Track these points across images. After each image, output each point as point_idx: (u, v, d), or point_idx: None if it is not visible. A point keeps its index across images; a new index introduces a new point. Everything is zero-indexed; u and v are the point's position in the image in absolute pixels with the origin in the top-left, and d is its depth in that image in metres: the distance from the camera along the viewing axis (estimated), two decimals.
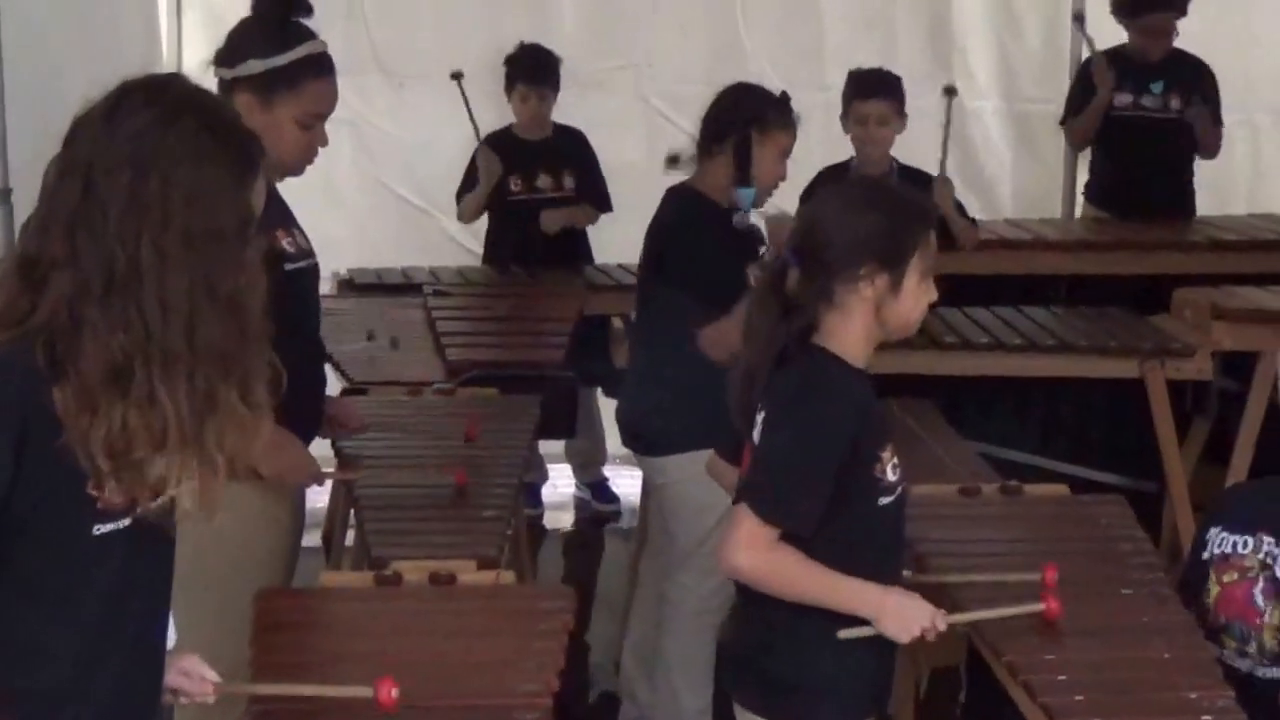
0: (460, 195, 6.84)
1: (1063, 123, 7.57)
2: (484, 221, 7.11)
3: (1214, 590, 3.30)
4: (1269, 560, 3.20)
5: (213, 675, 2.73)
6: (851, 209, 3.31)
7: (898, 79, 6.37)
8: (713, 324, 4.64)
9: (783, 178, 5.01)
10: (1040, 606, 3.39)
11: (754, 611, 3.36)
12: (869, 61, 7.38)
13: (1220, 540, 3.30)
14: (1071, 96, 7.49)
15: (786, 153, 4.98)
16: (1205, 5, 7.15)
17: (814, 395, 3.22)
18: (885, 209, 3.29)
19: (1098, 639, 3.52)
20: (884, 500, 3.25)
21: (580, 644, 5.44)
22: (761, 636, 3.35)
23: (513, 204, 6.80)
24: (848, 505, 3.20)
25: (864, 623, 3.20)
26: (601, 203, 6.86)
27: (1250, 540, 3.23)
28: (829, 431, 3.19)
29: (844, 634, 3.21)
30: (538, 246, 6.74)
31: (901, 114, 6.29)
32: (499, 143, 6.87)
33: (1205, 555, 3.32)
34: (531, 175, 6.81)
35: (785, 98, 5.04)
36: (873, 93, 6.24)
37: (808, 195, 5.94)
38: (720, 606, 4.79)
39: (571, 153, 6.87)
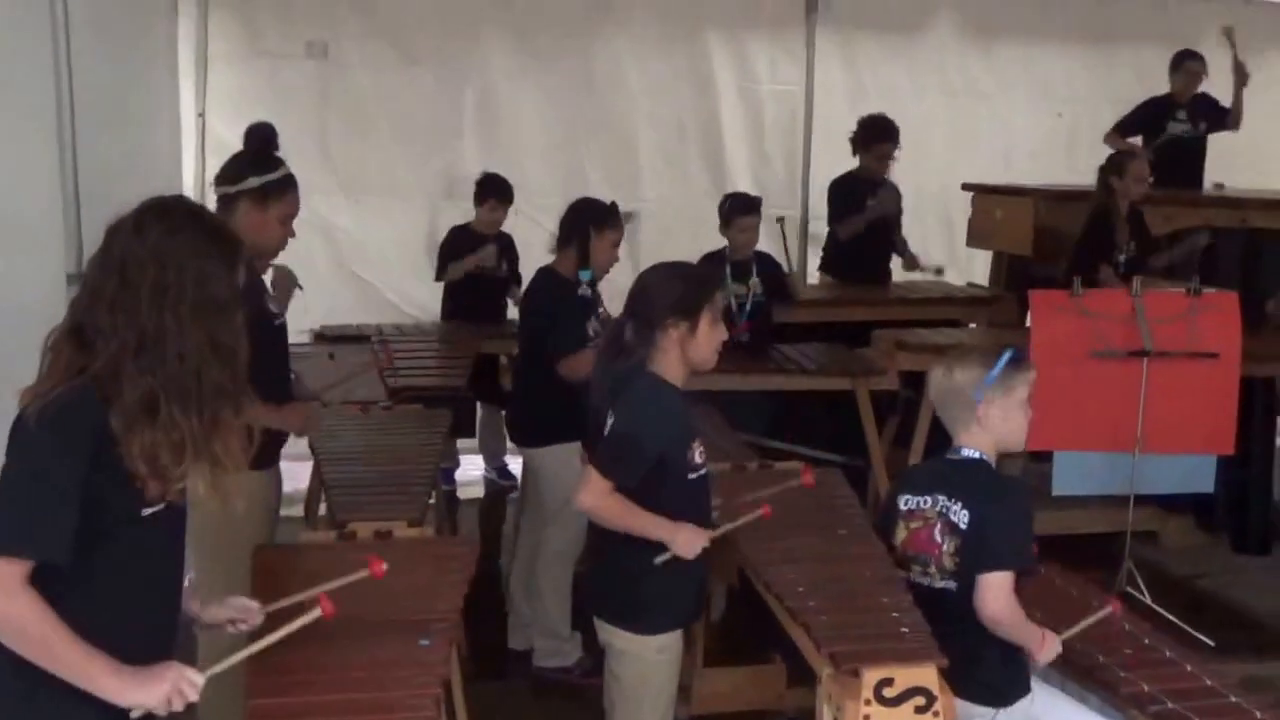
0: (442, 268, 6.83)
1: (832, 223, 7.42)
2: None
3: (902, 534, 3.34)
4: (944, 511, 3.25)
5: (253, 604, 2.71)
6: (663, 279, 3.39)
7: (760, 200, 6.39)
8: (571, 357, 4.64)
9: (615, 260, 4.99)
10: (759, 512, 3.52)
11: (607, 552, 3.40)
12: (673, 184, 7.46)
13: (907, 501, 3.35)
14: (839, 209, 7.31)
15: (616, 244, 4.96)
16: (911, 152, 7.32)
17: (645, 402, 3.28)
18: (684, 279, 3.39)
19: (823, 563, 3.54)
20: (692, 476, 3.33)
21: (495, 573, 5.40)
22: (612, 569, 3.39)
23: (470, 276, 6.79)
24: (671, 478, 3.27)
25: (666, 550, 3.28)
26: (520, 281, 6.78)
27: (929, 499, 3.29)
28: (653, 430, 3.25)
29: (657, 560, 3.27)
30: (483, 307, 6.72)
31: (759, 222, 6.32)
32: (462, 235, 6.88)
33: (900, 510, 3.37)
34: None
35: (614, 206, 5.03)
36: (750, 210, 6.25)
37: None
38: (576, 549, 4.79)
39: (507, 246, 6.88)
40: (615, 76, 7.79)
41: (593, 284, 4.92)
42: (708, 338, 3.32)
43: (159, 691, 2.30)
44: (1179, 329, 5.27)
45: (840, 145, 7.32)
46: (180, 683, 2.32)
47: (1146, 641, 3.59)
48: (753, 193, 6.99)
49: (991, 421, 3.24)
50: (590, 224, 4.87)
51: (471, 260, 6.73)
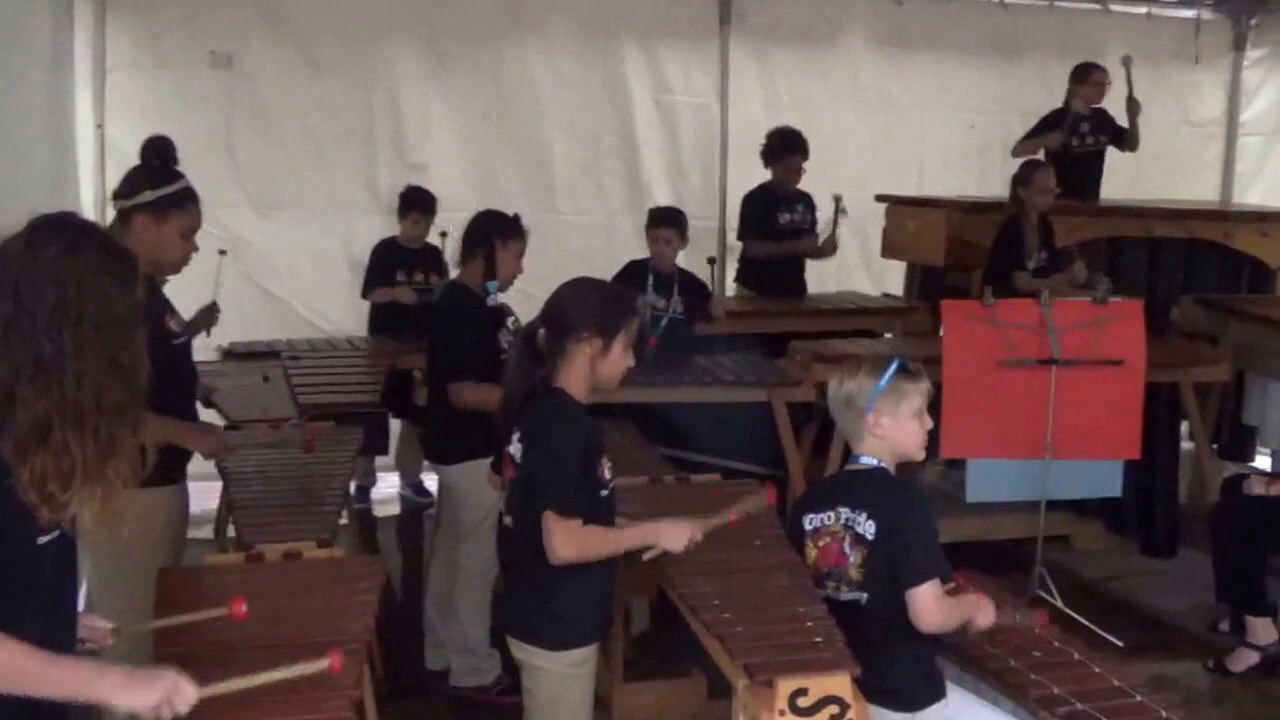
0: (368, 285, 6.85)
1: (740, 239, 7.50)
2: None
3: (812, 554, 3.39)
4: (849, 523, 3.29)
5: (107, 624, 2.66)
6: (585, 292, 3.36)
7: (682, 212, 6.48)
8: (461, 385, 4.63)
9: (520, 270, 4.95)
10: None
11: (518, 569, 3.37)
12: (589, 196, 7.43)
13: (811, 520, 3.40)
14: (750, 223, 7.39)
15: (520, 255, 4.92)
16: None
17: (558, 421, 3.25)
18: (607, 297, 3.37)
19: (738, 575, 3.56)
20: (603, 492, 3.28)
21: (415, 591, 5.38)
22: (524, 586, 3.36)
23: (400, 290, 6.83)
24: (582, 495, 3.23)
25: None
26: None
27: (831, 514, 3.34)
28: (570, 447, 3.22)
29: (646, 556, 3.27)
30: (411, 322, 6.65)
31: (684, 236, 6.36)
32: (389, 249, 6.89)
33: (806, 530, 3.41)
34: (411, 272, 6.83)
35: (517, 217, 4.98)
36: (665, 223, 6.33)
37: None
38: (492, 567, 4.76)
39: (435, 259, 6.85)
40: (528, 86, 7.80)
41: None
42: (618, 360, 3.32)
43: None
44: (1086, 337, 5.39)
45: (757, 156, 7.37)
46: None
47: (1057, 644, 3.66)
48: (670, 204, 7.06)
49: (884, 430, 3.31)
50: (495, 236, 4.85)
51: (389, 295, 6.78)
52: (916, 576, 3.17)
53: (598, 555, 3.24)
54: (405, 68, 7.59)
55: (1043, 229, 6.82)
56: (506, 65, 7.74)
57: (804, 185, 7.41)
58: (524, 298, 5.02)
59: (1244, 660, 5.12)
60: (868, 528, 3.24)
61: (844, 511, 3.31)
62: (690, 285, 6.45)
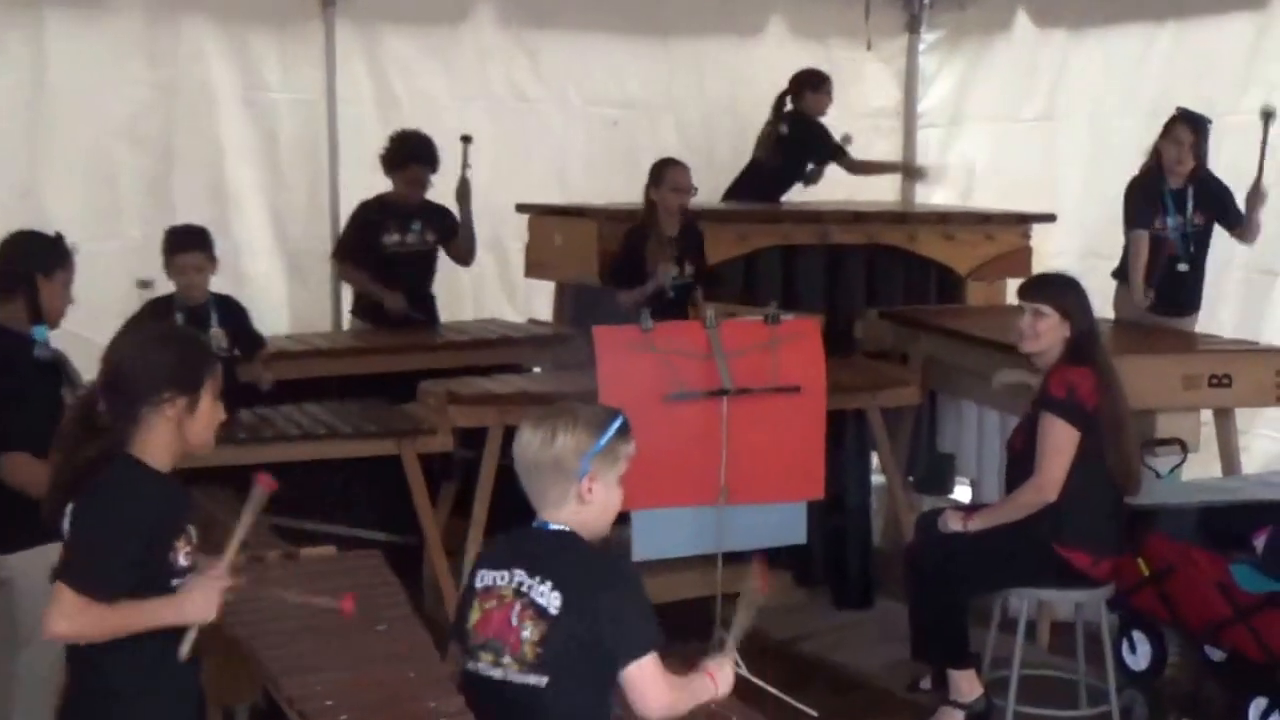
0: None
1: (334, 257, 7.57)
2: None
3: (475, 615, 3.32)
4: (523, 589, 3.26)
5: None
6: (150, 348, 3.28)
7: (205, 230, 6.23)
8: (15, 457, 4.45)
9: (70, 301, 4.74)
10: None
11: (76, 680, 3.25)
12: (160, 216, 7.22)
13: (483, 577, 3.35)
14: (348, 241, 7.47)
15: (69, 285, 4.70)
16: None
17: (117, 495, 3.14)
18: (178, 347, 3.31)
19: (359, 668, 3.53)
20: (176, 581, 3.19)
21: None
22: (81, 700, 3.23)
23: None
24: (151, 582, 3.13)
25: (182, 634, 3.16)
26: None
27: (506, 574, 3.30)
28: (127, 524, 3.11)
29: (184, 651, 3.16)
30: None
31: (213, 258, 6.16)
32: None
33: (475, 588, 3.37)
34: None
35: (59, 239, 4.76)
36: (188, 246, 6.08)
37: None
38: (58, 674, 4.54)
39: None
40: (79, 84, 7.50)
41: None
42: (208, 416, 3.25)
43: None
44: (759, 362, 5.59)
45: (374, 163, 7.37)
46: None
47: None
48: (270, 225, 6.95)
49: (594, 498, 3.27)
50: (35, 269, 4.63)
51: None
52: (635, 652, 3.17)
53: (105, 634, 3.11)
54: None
55: (684, 241, 7.02)
56: (49, 59, 7.42)
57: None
58: (81, 344, 4.84)
59: None
60: (551, 600, 3.21)
61: (519, 574, 3.26)
62: (231, 315, 6.28)
